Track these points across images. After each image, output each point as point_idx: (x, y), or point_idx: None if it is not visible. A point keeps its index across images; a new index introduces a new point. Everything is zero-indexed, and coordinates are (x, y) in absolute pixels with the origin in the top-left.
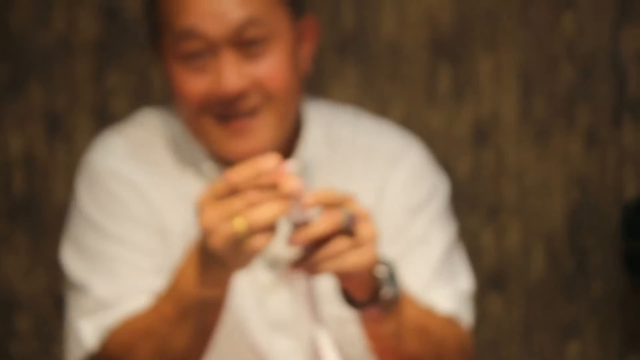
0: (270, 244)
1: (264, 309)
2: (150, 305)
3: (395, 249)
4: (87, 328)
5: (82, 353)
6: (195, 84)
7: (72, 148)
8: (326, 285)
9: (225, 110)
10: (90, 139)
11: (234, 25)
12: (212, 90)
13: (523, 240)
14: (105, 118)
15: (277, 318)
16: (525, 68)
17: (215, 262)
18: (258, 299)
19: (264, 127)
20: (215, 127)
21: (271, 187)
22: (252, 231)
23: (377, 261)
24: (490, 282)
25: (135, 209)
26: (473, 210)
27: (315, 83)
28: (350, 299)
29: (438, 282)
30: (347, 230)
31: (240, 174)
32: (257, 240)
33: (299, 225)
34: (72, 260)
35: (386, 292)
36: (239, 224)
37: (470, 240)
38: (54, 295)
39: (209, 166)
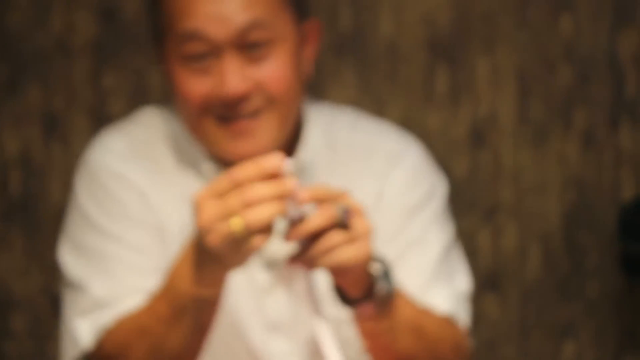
0: (267, 243)
1: (261, 309)
2: (145, 304)
3: (393, 249)
4: (83, 327)
5: (77, 352)
6: (198, 85)
7: (69, 149)
8: (322, 287)
9: (227, 112)
10: (87, 139)
11: (238, 28)
12: (214, 92)
13: (519, 241)
14: (102, 119)
15: (274, 319)
16: (522, 70)
17: (211, 261)
18: (255, 300)
19: (265, 129)
20: (216, 128)
21: (269, 184)
22: (249, 231)
23: (372, 256)
24: (486, 283)
25: (133, 208)
26: (470, 211)
27: (313, 84)
28: (344, 296)
29: (436, 282)
30: (342, 224)
31: (244, 171)
32: (254, 240)
33: (294, 221)
34: (69, 258)
35: (380, 288)
36: (236, 224)
37: (467, 241)
38: (49, 295)
39: (208, 167)
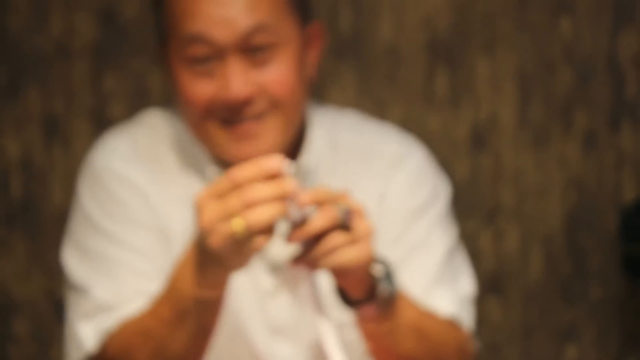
0: (269, 245)
1: (265, 312)
2: (147, 307)
3: (397, 252)
4: (87, 330)
5: (81, 355)
6: (201, 88)
7: (70, 152)
8: (325, 290)
9: (231, 115)
10: (87, 142)
11: (242, 32)
12: (218, 95)
13: (521, 244)
14: (103, 122)
15: (278, 323)
16: (523, 72)
17: (212, 262)
18: (259, 303)
19: (269, 132)
20: (219, 131)
21: (269, 185)
22: (251, 232)
23: (373, 257)
24: (488, 285)
25: (137, 210)
26: (471, 214)
27: (313, 86)
28: (346, 298)
29: (439, 285)
30: (343, 226)
31: (244, 171)
32: (256, 241)
33: (296, 223)
34: (72, 261)
35: (382, 290)
36: (238, 225)
37: (469, 243)
38: (51, 299)
39: (212, 170)
